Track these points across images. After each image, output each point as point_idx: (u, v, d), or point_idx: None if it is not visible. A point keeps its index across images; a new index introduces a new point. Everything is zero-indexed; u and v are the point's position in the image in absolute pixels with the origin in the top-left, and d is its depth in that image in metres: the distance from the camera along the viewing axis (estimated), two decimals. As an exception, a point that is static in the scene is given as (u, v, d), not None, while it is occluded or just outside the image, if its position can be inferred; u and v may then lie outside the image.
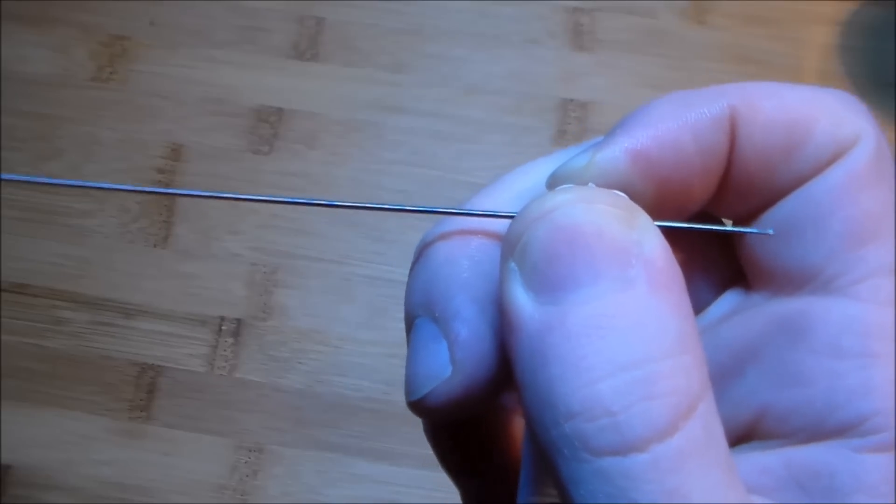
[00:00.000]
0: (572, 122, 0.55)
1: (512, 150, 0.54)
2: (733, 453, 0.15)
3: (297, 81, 0.55)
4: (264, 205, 0.52)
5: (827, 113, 0.17)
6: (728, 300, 0.19)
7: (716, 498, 0.14)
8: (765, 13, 0.58)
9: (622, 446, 0.14)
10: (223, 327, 0.50)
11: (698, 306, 0.19)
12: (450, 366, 0.17)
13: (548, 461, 0.14)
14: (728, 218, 0.18)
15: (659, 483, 0.13)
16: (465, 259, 0.18)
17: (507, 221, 0.16)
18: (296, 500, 0.47)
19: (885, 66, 0.57)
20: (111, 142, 0.54)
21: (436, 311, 0.18)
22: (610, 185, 0.16)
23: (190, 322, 0.50)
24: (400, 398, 0.48)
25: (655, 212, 0.16)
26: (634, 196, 0.16)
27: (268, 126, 0.54)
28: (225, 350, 0.49)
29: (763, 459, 0.16)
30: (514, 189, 0.19)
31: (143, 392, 0.48)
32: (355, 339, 0.50)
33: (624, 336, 0.14)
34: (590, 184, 0.16)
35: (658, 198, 0.17)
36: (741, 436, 0.17)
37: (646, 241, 0.15)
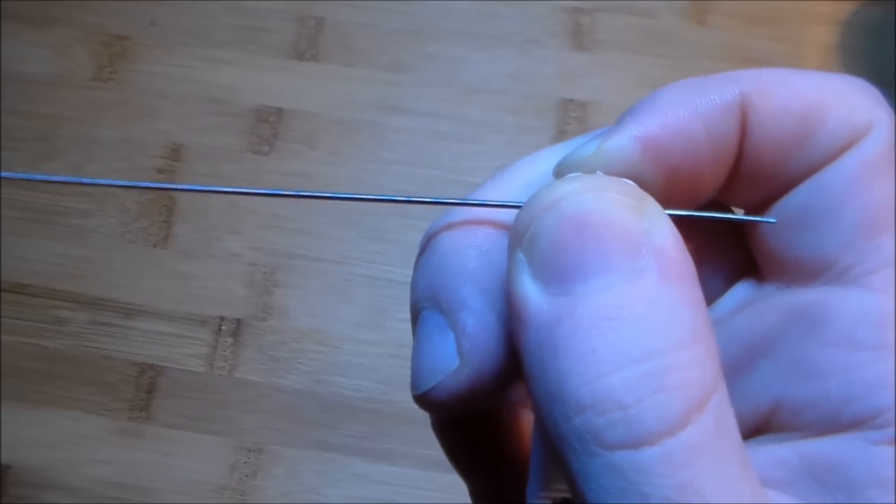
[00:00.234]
0: (572, 122, 0.55)
1: (512, 150, 0.54)
2: (747, 446, 0.15)
3: (297, 81, 0.55)
4: (264, 205, 0.52)
5: (840, 99, 0.16)
6: (740, 291, 0.18)
7: (729, 492, 0.13)
8: (765, 13, 0.58)
9: (634, 440, 0.13)
10: (223, 327, 0.50)
11: (709, 298, 0.18)
12: (457, 358, 0.17)
13: (558, 455, 0.14)
14: (739, 207, 0.18)
15: (671, 477, 0.13)
16: (471, 249, 0.17)
17: (514, 211, 0.16)
18: (295, 500, 0.47)
19: (885, 66, 0.57)
20: (111, 142, 0.54)
21: (442, 302, 0.17)
22: (618, 174, 0.16)
23: (190, 322, 0.50)
24: (399, 398, 0.48)
25: (665, 200, 0.16)
26: (643, 184, 0.16)
27: (268, 126, 0.54)
28: (225, 350, 0.49)
29: (777, 452, 0.16)
30: (522, 179, 0.18)
31: (143, 392, 0.48)
32: (355, 339, 0.50)
33: (635, 327, 0.14)
34: (598, 172, 0.16)
35: (667, 186, 0.16)
36: (755, 429, 0.17)
37: (656, 229, 0.15)
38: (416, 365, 0.18)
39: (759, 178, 0.17)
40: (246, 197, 0.53)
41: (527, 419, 0.21)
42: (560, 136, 0.54)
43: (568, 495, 0.15)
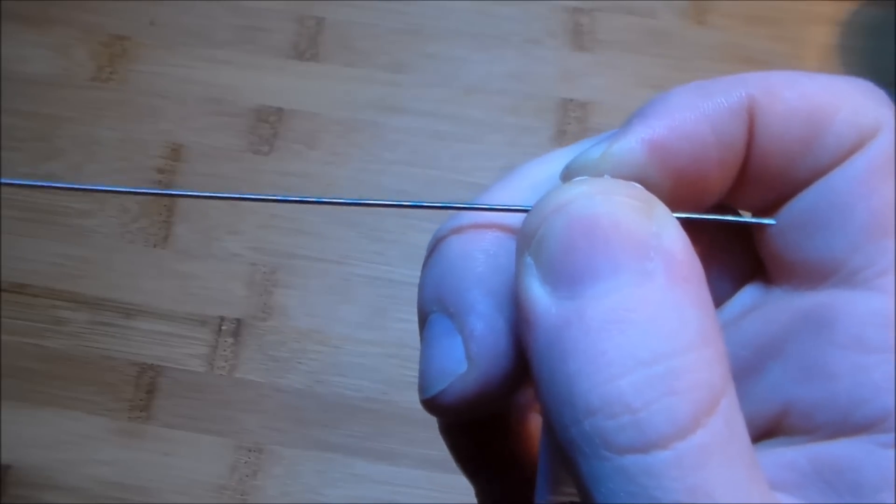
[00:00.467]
0: (572, 122, 0.55)
1: (512, 150, 0.54)
2: (756, 449, 0.15)
3: (297, 81, 0.55)
4: (264, 205, 0.52)
5: (847, 102, 0.16)
6: (748, 294, 0.18)
7: (739, 495, 0.13)
8: (765, 13, 0.58)
9: (644, 444, 0.13)
10: (223, 327, 0.50)
11: (717, 301, 0.18)
12: (465, 362, 0.17)
13: (567, 459, 0.14)
14: (746, 210, 0.18)
15: (682, 480, 0.13)
16: (479, 253, 0.17)
17: (521, 215, 0.16)
18: (295, 500, 0.47)
19: (885, 66, 0.57)
20: (111, 142, 0.54)
21: (450, 306, 0.17)
22: (626, 177, 0.16)
23: (190, 322, 0.50)
24: (399, 398, 0.48)
25: (672, 203, 0.16)
26: (650, 187, 0.16)
27: (268, 126, 0.54)
28: (225, 350, 0.49)
29: (787, 455, 0.16)
30: (529, 181, 0.18)
31: (143, 392, 0.48)
32: (355, 339, 0.50)
33: (644, 330, 0.14)
34: (605, 175, 0.16)
35: (674, 189, 0.16)
36: (764, 431, 0.17)
37: (664, 232, 0.15)
38: (424, 369, 0.17)
39: (766, 180, 0.17)
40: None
41: (534, 422, 0.21)
42: (560, 136, 0.54)
43: (576, 498, 0.15)
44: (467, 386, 0.17)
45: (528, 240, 0.15)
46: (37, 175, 0.53)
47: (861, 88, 0.17)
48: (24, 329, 0.50)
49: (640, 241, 0.14)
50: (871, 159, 0.16)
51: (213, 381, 0.49)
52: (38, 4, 0.57)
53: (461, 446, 0.21)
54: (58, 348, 0.49)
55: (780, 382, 0.17)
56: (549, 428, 0.15)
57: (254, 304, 0.50)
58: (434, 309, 0.18)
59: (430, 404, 0.17)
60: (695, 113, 0.16)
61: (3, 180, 0.16)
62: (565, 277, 0.14)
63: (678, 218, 0.16)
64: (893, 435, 0.15)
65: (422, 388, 0.18)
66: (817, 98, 0.16)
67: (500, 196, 0.18)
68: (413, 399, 0.48)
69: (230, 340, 0.49)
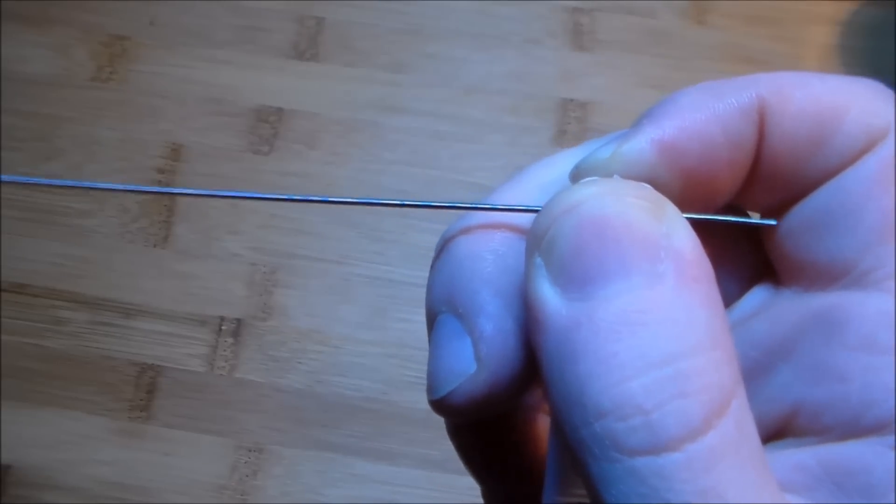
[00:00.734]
0: (572, 122, 0.55)
1: (512, 150, 0.54)
2: (766, 450, 0.15)
3: (297, 81, 0.55)
4: (264, 205, 0.52)
5: (858, 103, 0.16)
6: (757, 295, 0.18)
7: (750, 496, 0.13)
8: (765, 13, 0.58)
9: (655, 446, 0.13)
10: (223, 327, 0.50)
11: (726, 301, 0.18)
12: (474, 363, 0.17)
13: (577, 460, 0.14)
14: (756, 211, 0.18)
15: (693, 483, 0.13)
16: (488, 253, 0.17)
17: (530, 215, 0.16)
18: (295, 500, 0.47)
19: (885, 66, 0.57)
20: (111, 142, 0.54)
21: (459, 307, 0.17)
22: (635, 177, 0.16)
23: (190, 322, 0.50)
24: (399, 398, 0.48)
25: (681, 204, 0.16)
26: (660, 188, 0.16)
27: (268, 126, 0.54)
28: (225, 350, 0.49)
29: (797, 457, 0.16)
30: (538, 182, 0.18)
31: (143, 392, 0.48)
32: (355, 339, 0.50)
33: (655, 332, 0.14)
34: (615, 175, 0.16)
35: (684, 190, 0.16)
36: (774, 432, 0.17)
37: (675, 233, 0.14)
38: (433, 370, 0.17)
39: (776, 181, 0.17)
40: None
41: (542, 423, 0.21)
42: (560, 135, 0.54)
43: (585, 500, 0.15)
44: (476, 387, 0.17)
45: (539, 240, 0.15)
46: (37, 175, 0.53)
47: (871, 89, 0.17)
48: (24, 329, 0.50)
49: (651, 242, 0.14)
50: (881, 160, 0.16)
51: (213, 381, 0.49)
52: (38, 4, 0.57)
53: (469, 447, 0.21)
54: (58, 348, 0.49)
55: (789, 383, 0.17)
56: (558, 429, 0.15)
57: (254, 304, 0.50)
58: (443, 310, 0.18)
59: (439, 405, 0.17)
60: (705, 113, 0.16)
61: (3, 177, 0.16)
62: (576, 278, 0.14)
63: (692, 219, 0.16)
64: None
65: (430, 389, 0.17)
66: (827, 99, 0.16)
67: (508, 196, 0.18)
68: (413, 399, 0.48)
69: (230, 340, 0.49)
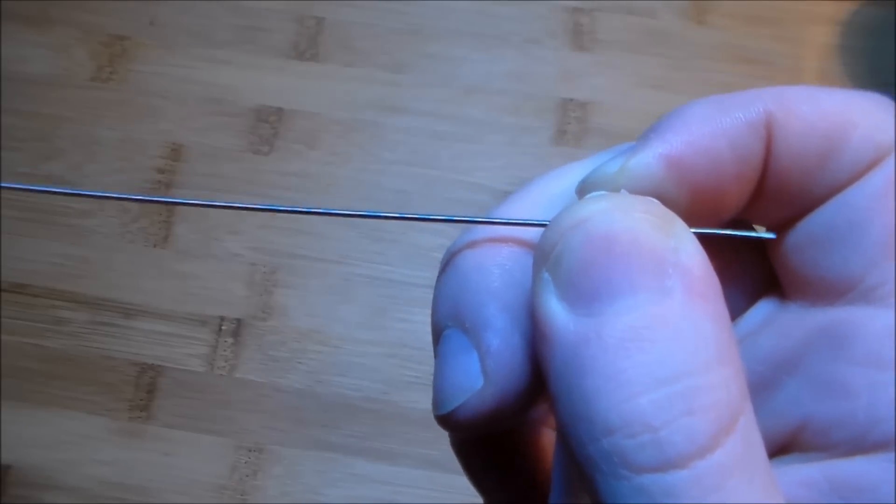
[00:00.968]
0: (572, 122, 0.55)
1: (512, 150, 0.54)
2: (773, 465, 0.14)
3: (297, 81, 0.55)
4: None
5: (864, 118, 0.16)
6: (762, 309, 0.18)
7: None
8: (765, 13, 0.58)
9: (663, 463, 0.13)
10: (223, 327, 0.50)
11: (732, 315, 0.18)
12: (481, 378, 0.17)
13: (584, 476, 0.14)
14: (763, 225, 0.18)
15: (701, 500, 0.13)
16: (495, 268, 0.17)
17: (538, 229, 0.16)
18: (295, 500, 0.47)
19: (885, 66, 0.57)
20: (111, 142, 0.54)
21: (465, 321, 0.17)
22: (643, 192, 0.16)
23: (190, 322, 0.50)
24: (399, 398, 0.48)
25: (688, 219, 0.16)
26: (667, 203, 0.16)
27: (268, 126, 0.54)
28: (225, 350, 0.49)
29: (804, 472, 0.16)
30: (544, 196, 0.18)
31: (143, 392, 0.49)
32: (355, 339, 0.50)
33: (663, 348, 0.14)
34: (622, 190, 0.16)
35: (691, 204, 0.16)
36: (780, 447, 0.17)
37: (683, 248, 0.14)
38: (439, 385, 0.17)
39: (783, 196, 0.17)
40: (246, 197, 0.53)
41: (547, 437, 0.21)
42: (560, 135, 0.54)
43: None
44: (483, 402, 0.17)
45: (546, 255, 0.15)
46: (37, 175, 0.53)
47: (878, 105, 0.17)
48: (24, 329, 0.50)
49: (659, 257, 0.14)
50: (888, 176, 0.16)
51: (213, 381, 0.49)
52: (38, 4, 0.57)
53: (473, 462, 0.21)
54: (58, 348, 0.49)
55: (796, 398, 0.16)
56: (564, 444, 0.15)
57: (254, 304, 0.50)
58: (449, 324, 0.17)
59: (446, 420, 0.17)
60: (712, 128, 0.16)
61: (2, 184, 0.16)
62: (584, 294, 0.14)
63: (699, 233, 0.15)
64: None
65: (437, 405, 0.17)
66: (835, 114, 0.16)
67: (515, 210, 0.18)
68: (413, 399, 0.48)
69: (230, 340, 0.49)
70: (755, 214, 0.18)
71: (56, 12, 0.57)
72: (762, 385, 0.17)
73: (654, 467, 0.13)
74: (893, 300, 0.16)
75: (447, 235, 0.50)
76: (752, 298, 0.19)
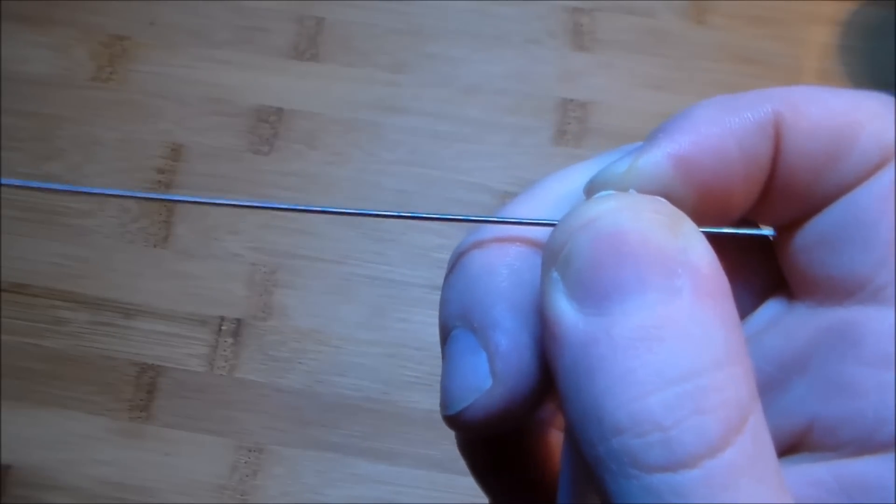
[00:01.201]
0: (572, 122, 0.55)
1: (512, 150, 0.54)
2: (781, 465, 0.14)
3: (296, 81, 0.55)
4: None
5: (872, 118, 0.16)
6: (770, 308, 0.18)
7: None
8: (765, 13, 0.58)
9: (673, 462, 0.13)
10: (223, 327, 0.50)
11: (740, 315, 0.18)
12: (489, 378, 0.17)
13: (593, 476, 0.14)
14: (771, 225, 0.18)
15: (710, 500, 0.13)
16: (503, 267, 0.17)
17: (545, 228, 0.16)
18: (296, 500, 0.47)
19: (885, 66, 0.57)
20: (111, 142, 0.54)
21: (474, 322, 0.17)
22: (651, 192, 0.16)
23: (190, 322, 0.50)
24: (399, 398, 0.48)
25: (696, 218, 0.16)
26: (675, 202, 0.16)
27: (268, 126, 0.54)
28: (225, 350, 0.49)
29: (812, 472, 0.16)
30: (553, 195, 0.18)
31: (143, 392, 0.49)
32: (355, 339, 0.50)
33: (672, 348, 0.14)
34: (630, 190, 0.16)
35: (699, 204, 0.16)
36: (788, 447, 0.17)
37: (691, 248, 0.14)
38: (448, 385, 0.17)
39: (791, 196, 0.17)
40: (246, 197, 0.53)
41: (555, 438, 0.21)
42: (560, 135, 0.54)
43: None
44: (492, 402, 0.17)
45: (555, 255, 0.15)
46: (37, 175, 0.53)
47: (886, 105, 0.17)
48: (24, 329, 0.50)
49: (668, 257, 0.14)
50: (893, 177, 0.16)
51: (213, 381, 0.49)
52: (38, 4, 0.57)
53: (480, 462, 0.21)
54: (58, 348, 0.49)
55: (804, 398, 0.17)
56: (573, 444, 0.15)
57: (254, 304, 0.50)
58: (457, 324, 0.17)
59: (454, 421, 0.17)
60: (721, 128, 0.16)
61: (3, 181, 0.16)
62: (593, 293, 0.14)
63: (707, 233, 0.15)
64: None
65: (445, 405, 0.17)
66: (843, 115, 0.16)
67: (522, 209, 0.18)
68: (413, 399, 0.48)
69: (230, 340, 0.49)
70: (763, 214, 0.18)
71: (56, 12, 0.57)
72: (770, 385, 0.17)
73: (663, 467, 0.13)
74: None
75: (447, 235, 0.50)
76: (760, 298, 0.19)
